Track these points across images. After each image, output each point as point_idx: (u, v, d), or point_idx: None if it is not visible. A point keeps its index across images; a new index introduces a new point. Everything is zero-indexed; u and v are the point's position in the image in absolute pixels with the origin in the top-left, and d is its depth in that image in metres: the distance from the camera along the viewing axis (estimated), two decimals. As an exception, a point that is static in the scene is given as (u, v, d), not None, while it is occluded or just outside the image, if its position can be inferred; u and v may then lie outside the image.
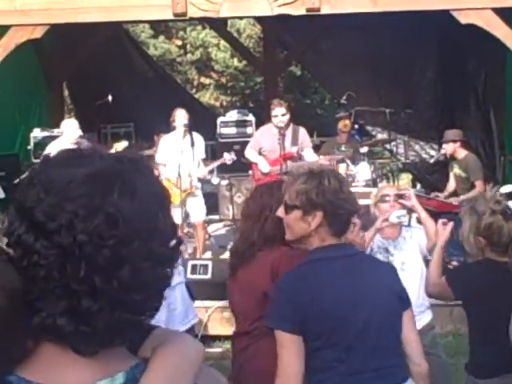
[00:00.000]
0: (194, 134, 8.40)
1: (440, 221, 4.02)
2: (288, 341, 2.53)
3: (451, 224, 3.88)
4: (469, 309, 3.61)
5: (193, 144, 8.24)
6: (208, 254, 8.60)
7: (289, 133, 8.14)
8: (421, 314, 4.50)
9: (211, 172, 8.89)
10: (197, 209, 8.36)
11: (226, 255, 7.93)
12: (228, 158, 8.57)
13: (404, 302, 2.75)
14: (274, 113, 8.09)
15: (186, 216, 8.50)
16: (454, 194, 8.40)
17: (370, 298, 2.62)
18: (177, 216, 8.29)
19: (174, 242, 1.14)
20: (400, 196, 4.47)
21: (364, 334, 2.58)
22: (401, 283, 2.78)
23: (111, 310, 1.07)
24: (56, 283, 1.05)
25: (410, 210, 4.52)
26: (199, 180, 8.44)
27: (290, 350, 2.53)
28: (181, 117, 8.34)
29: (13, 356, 1.09)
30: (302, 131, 8.31)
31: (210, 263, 6.98)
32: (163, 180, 8.39)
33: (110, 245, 1.05)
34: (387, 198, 4.51)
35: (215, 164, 8.76)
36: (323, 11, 7.14)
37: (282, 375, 2.51)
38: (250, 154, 8.29)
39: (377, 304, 2.63)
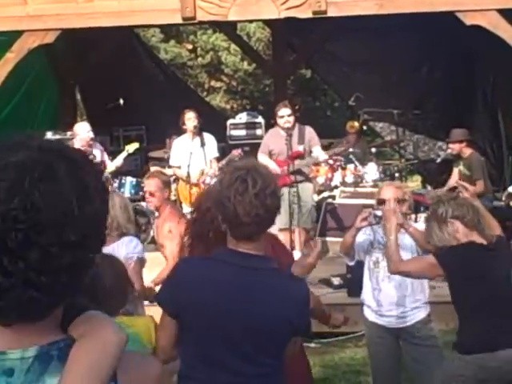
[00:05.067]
0: (205, 134, 8.51)
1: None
2: (164, 320, 2.69)
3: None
4: (456, 282, 3.86)
5: (203, 144, 8.36)
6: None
7: (295, 133, 8.23)
8: (414, 310, 4.59)
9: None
10: None
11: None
12: (236, 153, 8.66)
13: (292, 331, 2.61)
14: (280, 114, 8.18)
15: None
16: (455, 190, 8.47)
17: (246, 316, 2.54)
18: None
19: (95, 230, 1.20)
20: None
21: (229, 349, 2.56)
22: (296, 313, 2.58)
23: (23, 288, 1.14)
24: None
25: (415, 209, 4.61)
26: (211, 178, 8.53)
27: (164, 329, 2.70)
28: (190, 119, 8.44)
29: None
30: (309, 130, 8.38)
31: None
32: (180, 182, 8.54)
33: (21, 228, 1.12)
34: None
35: (223, 162, 8.83)
36: (329, 14, 7.24)
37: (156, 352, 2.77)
38: (262, 159, 8.40)
39: (251, 323, 2.54)
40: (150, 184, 5.90)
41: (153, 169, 9.95)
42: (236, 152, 8.68)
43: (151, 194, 5.83)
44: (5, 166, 1.15)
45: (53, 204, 1.14)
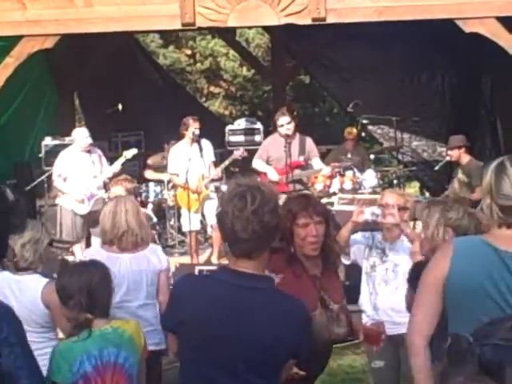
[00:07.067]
0: (201, 139, 8.59)
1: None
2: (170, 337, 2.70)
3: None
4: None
5: (201, 149, 8.42)
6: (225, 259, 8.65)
7: (296, 142, 8.28)
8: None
9: (223, 171, 9.02)
10: (214, 211, 8.45)
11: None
12: (238, 153, 8.70)
13: (287, 352, 2.57)
14: (279, 122, 8.24)
15: (204, 218, 8.70)
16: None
17: (238, 335, 2.51)
18: (196, 222, 8.49)
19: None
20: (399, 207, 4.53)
21: (220, 367, 2.53)
22: (291, 333, 2.53)
23: None
24: None
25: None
26: (212, 181, 8.59)
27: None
28: (196, 128, 8.52)
29: None
30: (309, 141, 8.44)
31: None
32: (179, 188, 8.58)
33: None
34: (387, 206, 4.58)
35: (226, 162, 8.87)
36: (329, 20, 7.24)
37: None
38: (258, 164, 8.39)
39: (243, 343, 2.50)
40: (113, 191, 5.92)
41: (147, 174, 9.99)
42: (238, 152, 8.70)
43: None
44: None
45: None
